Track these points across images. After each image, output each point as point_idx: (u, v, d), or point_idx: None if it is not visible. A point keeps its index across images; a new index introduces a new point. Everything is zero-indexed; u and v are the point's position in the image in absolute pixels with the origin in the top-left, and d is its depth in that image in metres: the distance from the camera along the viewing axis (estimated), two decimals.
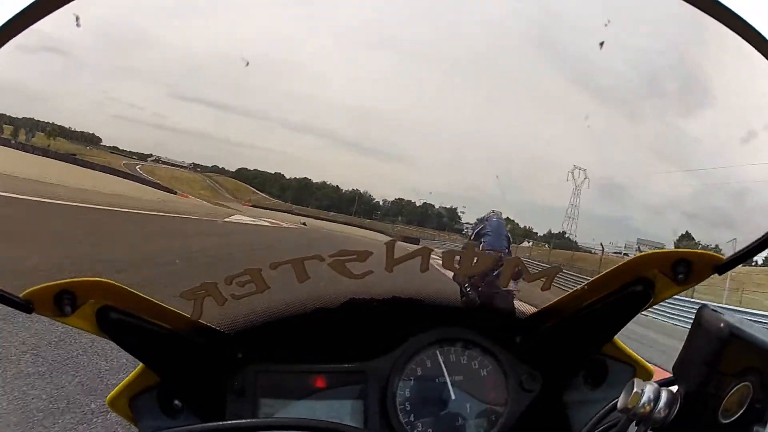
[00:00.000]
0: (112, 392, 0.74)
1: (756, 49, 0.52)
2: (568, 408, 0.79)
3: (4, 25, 0.50)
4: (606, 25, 0.70)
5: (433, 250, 0.76)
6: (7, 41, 0.51)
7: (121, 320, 0.67)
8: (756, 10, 0.51)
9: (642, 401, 0.47)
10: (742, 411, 0.45)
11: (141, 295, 0.68)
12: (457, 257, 0.76)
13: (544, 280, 0.73)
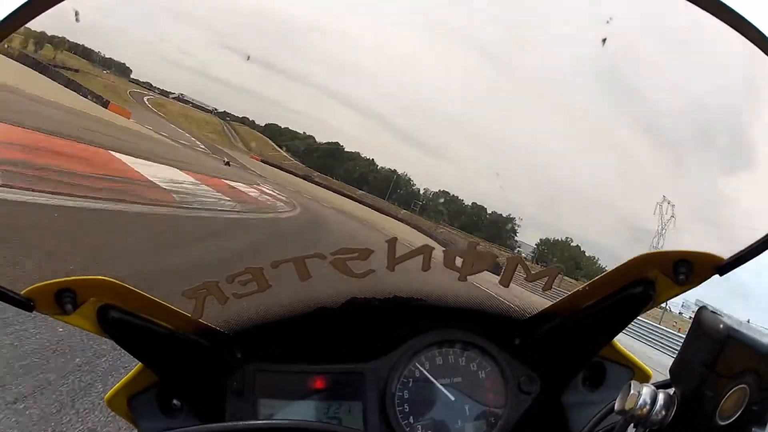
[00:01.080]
0: (111, 391, 0.74)
1: None
2: (567, 410, 0.79)
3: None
4: (608, 22, 0.70)
5: (434, 249, 0.76)
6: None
7: (121, 319, 0.67)
8: None
9: (639, 403, 0.47)
10: (739, 413, 0.45)
11: (142, 293, 0.68)
12: (458, 257, 0.76)
13: (545, 280, 0.73)
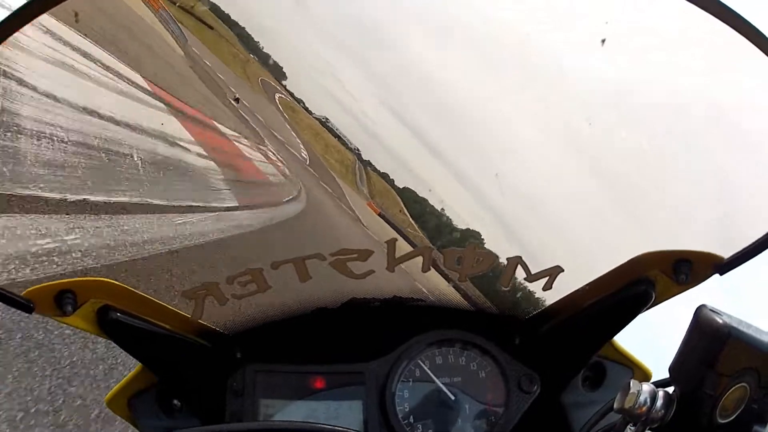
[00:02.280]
0: (111, 392, 0.75)
1: None
2: (567, 409, 0.79)
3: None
4: (606, 23, 0.70)
5: (434, 250, 0.77)
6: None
7: (121, 320, 0.67)
8: None
9: (638, 402, 0.47)
10: (739, 411, 0.45)
11: (142, 294, 0.68)
12: (459, 257, 0.76)
13: (545, 280, 0.73)
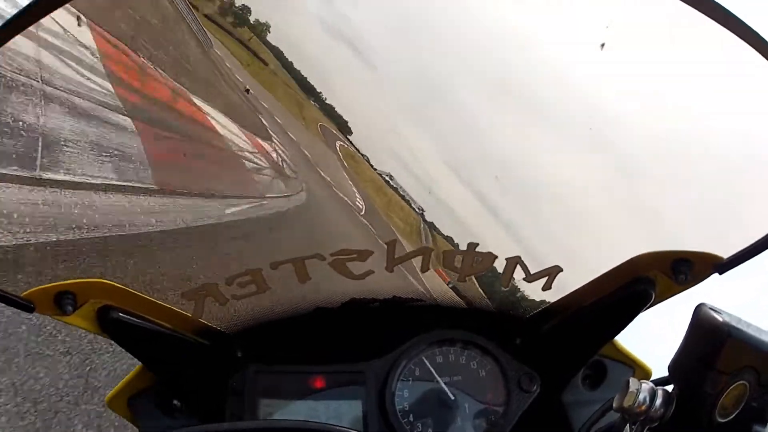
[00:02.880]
0: (111, 392, 0.75)
1: None
2: (567, 408, 0.79)
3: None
4: (607, 27, 0.70)
5: (434, 250, 0.77)
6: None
7: (121, 319, 0.67)
8: None
9: (638, 400, 0.47)
10: (738, 410, 0.45)
11: (142, 295, 0.69)
12: (459, 257, 0.76)
13: (545, 279, 0.74)
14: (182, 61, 0.91)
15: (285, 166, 0.97)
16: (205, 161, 1.01)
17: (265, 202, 1.01)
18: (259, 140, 0.93)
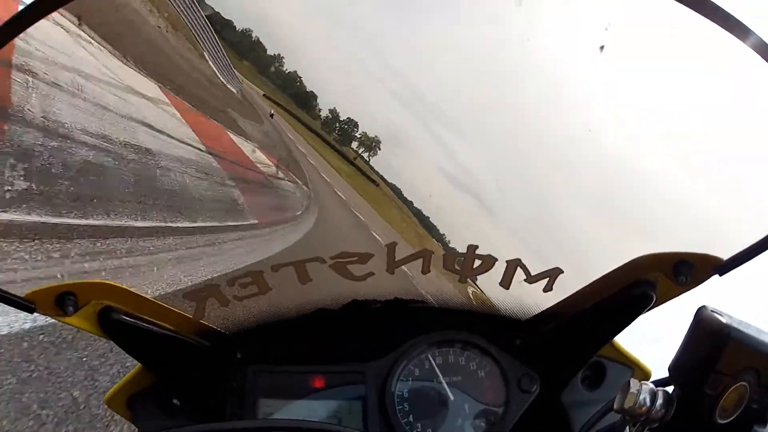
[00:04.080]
0: (111, 391, 0.75)
1: None
2: (567, 409, 0.79)
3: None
4: (606, 29, 0.70)
5: (434, 252, 0.77)
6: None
7: (122, 321, 0.67)
8: None
9: (638, 401, 0.47)
10: (739, 411, 0.45)
11: (142, 295, 0.68)
12: (459, 258, 0.76)
13: (545, 281, 0.74)
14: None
15: None
16: None
17: None
18: None
